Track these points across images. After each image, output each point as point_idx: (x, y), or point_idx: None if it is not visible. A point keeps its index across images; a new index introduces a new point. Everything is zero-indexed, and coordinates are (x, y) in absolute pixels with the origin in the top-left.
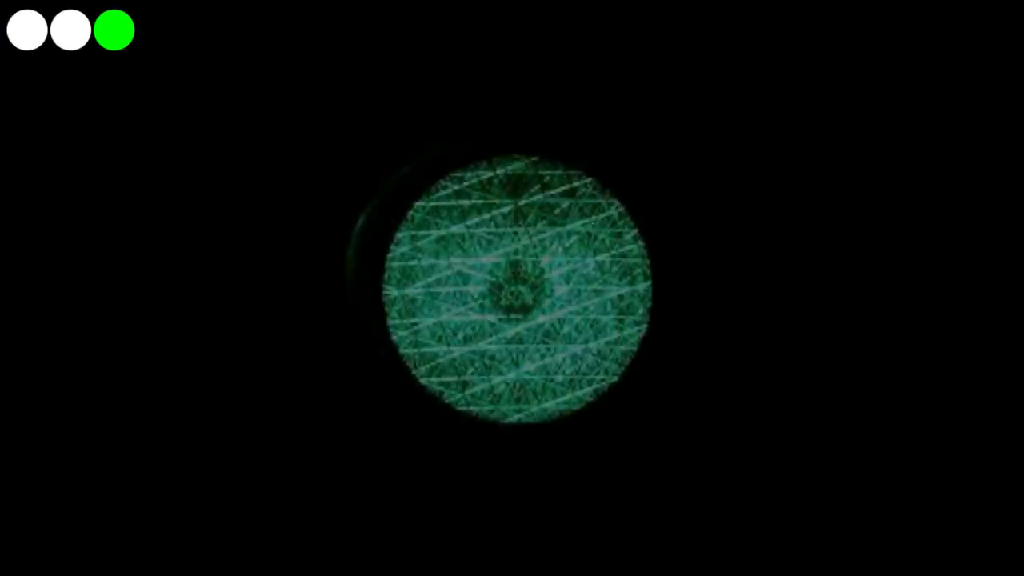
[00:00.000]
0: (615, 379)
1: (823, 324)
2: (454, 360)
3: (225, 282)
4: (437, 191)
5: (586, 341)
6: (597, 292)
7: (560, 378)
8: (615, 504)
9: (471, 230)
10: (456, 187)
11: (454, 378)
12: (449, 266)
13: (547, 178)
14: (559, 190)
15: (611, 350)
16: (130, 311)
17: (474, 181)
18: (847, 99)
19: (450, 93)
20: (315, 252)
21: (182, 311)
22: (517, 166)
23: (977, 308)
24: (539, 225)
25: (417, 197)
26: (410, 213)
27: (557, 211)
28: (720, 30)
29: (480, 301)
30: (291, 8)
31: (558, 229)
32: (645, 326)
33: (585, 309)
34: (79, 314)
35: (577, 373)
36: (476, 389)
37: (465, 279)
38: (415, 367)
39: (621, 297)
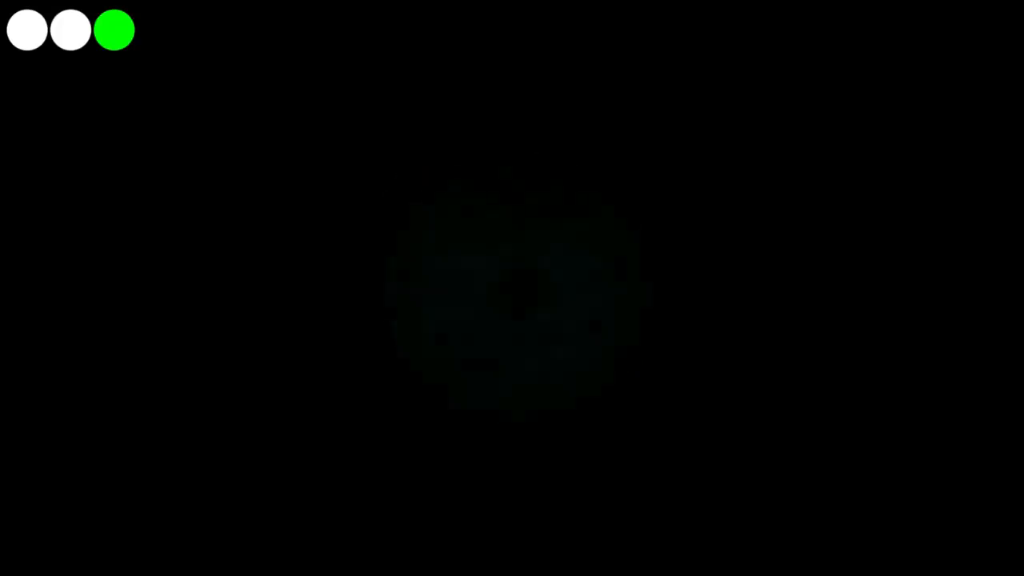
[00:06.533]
0: (614, 379)
1: (824, 324)
2: (454, 360)
3: (224, 283)
4: (437, 191)
5: (586, 341)
6: (597, 292)
7: (560, 378)
8: (615, 504)
9: (471, 230)
10: (456, 187)
11: (454, 378)
12: (449, 266)
13: (547, 178)
14: (559, 190)
15: (611, 350)
16: (129, 311)
17: (474, 181)
18: (848, 99)
19: (450, 93)
20: (315, 252)
21: (181, 312)
22: (517, 166)
23: (982, 313)
24: (539, 225)
25: (417, 197)
26: (410, 213)
27: (557, 211)
28: (720, 30)
29: (480, 301)
30: (292, 8)
31: (558, 229)
32: (645, 326)
33: (585, 309)
34: (78, 314)
35: (577, 373)
36: (476, 389)
37: (465, 279)
38: (415, 367)
39: (621, 297)
